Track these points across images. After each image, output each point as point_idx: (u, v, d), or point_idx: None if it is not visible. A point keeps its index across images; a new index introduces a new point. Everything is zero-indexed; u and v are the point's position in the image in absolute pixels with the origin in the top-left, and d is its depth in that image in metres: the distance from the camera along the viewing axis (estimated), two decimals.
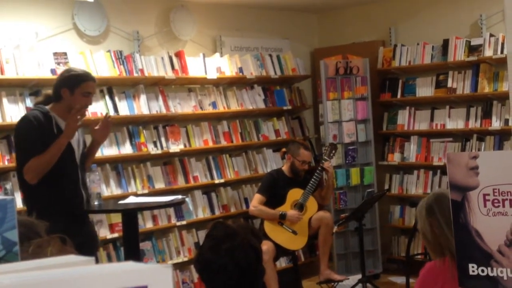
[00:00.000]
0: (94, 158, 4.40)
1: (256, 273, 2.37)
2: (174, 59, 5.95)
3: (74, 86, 3.93)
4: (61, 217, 3.71)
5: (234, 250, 2.30)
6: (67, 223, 3.80)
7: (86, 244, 4.04)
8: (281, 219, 5.72)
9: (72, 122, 3.84)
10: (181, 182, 5.93)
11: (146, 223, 5.65)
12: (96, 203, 4.31)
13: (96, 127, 4.20)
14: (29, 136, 3.87)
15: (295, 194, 5.82)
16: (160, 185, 5.78)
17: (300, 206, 5.81)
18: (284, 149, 6.17)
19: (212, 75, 6.18)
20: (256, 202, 5.77)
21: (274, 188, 5.81)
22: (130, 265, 0.79)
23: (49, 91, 4.07)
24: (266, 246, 5.52)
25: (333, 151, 6.04)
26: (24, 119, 3.97)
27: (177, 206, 5.60)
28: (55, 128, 3.91)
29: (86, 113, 4.27)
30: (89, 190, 4.29)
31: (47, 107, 3.96)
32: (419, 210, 2.50)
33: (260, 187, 5.90)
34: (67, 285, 0.73)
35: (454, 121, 6.44)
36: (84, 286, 0.74)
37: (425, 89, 6.64)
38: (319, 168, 5.90)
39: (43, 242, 1.42)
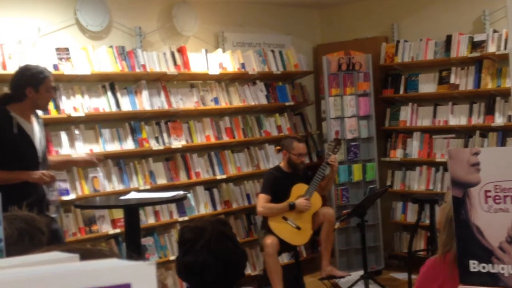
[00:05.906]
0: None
1: (238, 258, 2.38)
2: (176, 55, 5.94)
3: (39, 84, 3.96)
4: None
5: (209, 245, 2.30)
6: None
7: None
8: (291, 210, 5.71)
9: (39, 179, 3.92)
10: (183, 178, 5.92)
11: (148, 219, 5.65)
12: (54, 215, 4.22)
13: (88, 159, 4.41)
14: None
15: (299, 189, 5.81)
16: (162, 180, 5.78)
17: None
18: (278, 147, 6.17)
19: (214, 70, 6.17)
20: (262, 202, 5.75)
21: (276, 186, 5.79)
22: (114, 262, 0.79)
23: (6, 91, 4.05)
24: (270, 240, 5.54)
25: (338, 146, 6.03)
26: None
27: (179, 202, 5.59)
28: (15, 127, 3.89)
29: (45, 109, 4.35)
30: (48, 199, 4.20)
31: (7, 107, 3.93)
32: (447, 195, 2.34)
33: (263, 187, 5.89)
34: (50, 282, 0.73)
35: (457, 118, 6.43)
36: (68, 283, 0.73)
37: (427, 85, 6.63)
38: (324, 163, 5.89)
39: None
